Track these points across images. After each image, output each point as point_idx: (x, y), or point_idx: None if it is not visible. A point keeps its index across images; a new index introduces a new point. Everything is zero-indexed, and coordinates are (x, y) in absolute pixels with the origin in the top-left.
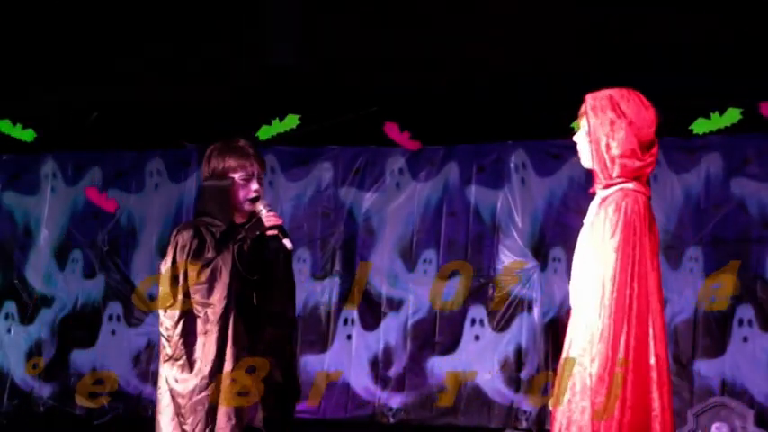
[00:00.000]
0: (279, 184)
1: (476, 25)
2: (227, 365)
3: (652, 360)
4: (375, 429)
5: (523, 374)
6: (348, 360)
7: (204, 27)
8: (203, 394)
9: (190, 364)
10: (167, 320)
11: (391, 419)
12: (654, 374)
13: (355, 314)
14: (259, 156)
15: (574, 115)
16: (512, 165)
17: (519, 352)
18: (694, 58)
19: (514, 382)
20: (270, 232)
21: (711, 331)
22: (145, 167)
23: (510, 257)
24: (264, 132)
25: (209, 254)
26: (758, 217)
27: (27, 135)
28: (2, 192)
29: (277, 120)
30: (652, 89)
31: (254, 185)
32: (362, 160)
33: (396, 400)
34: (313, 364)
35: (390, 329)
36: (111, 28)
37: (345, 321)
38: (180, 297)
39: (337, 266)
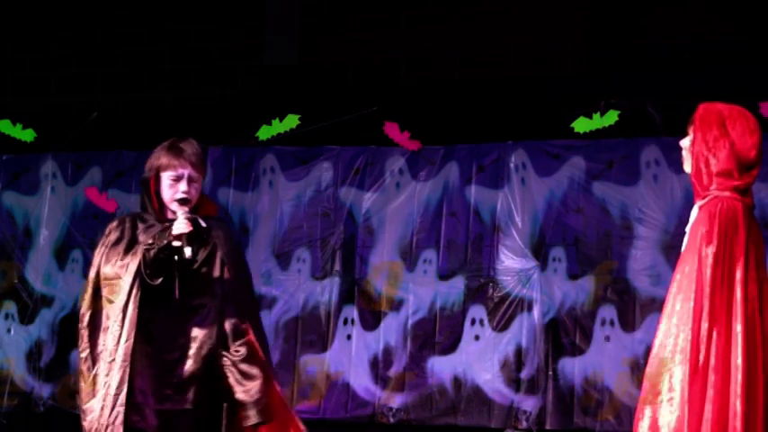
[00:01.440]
0: (279, 184)
1: (476, 25)
2: (116, 365)
3: (739, 361)
4: (375, 429)
5: (523, 374)
6: (348, 360)
7: (204, 27)
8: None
9: (93, 360)
10: (80, 313)
11: (391, 419)
12: (739, 377)
13: (355, 314)
14: (195, 157)
15: (573, 115)
16: (512, 165)
17: (519, 352)
18: (694, 58)
19: (514, 382)
20: (175, 242)
21: None
22: (144, 167)
23: (510, 257)
24: (264, 132)
25: (122, 250)
26: (759, 217)
27: (27, 135)
28: (2, 192)
29: (277, 120)
30: (652, 89)
31: (183, 186)
32: (362, 160)
33: (396, 401)
34: (313, 364)
35: (390, 329)
36: (110, 28)
37: (345, 321)
38: (91, 289)
39: (337, 266)
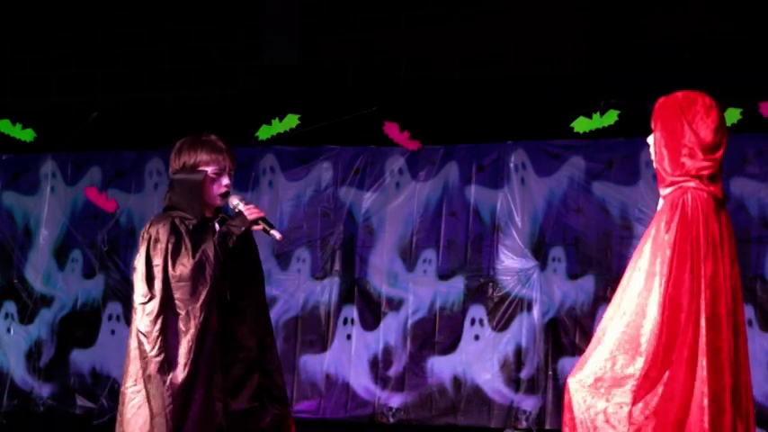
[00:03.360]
0: (278, 183)
1: (475, 25)
2: (202, 366)
3: (704, 362)
4: (375, 429)
5: (523, 374)
6: (348, 360)
7: (204, 27)
8: (184, 397)
9: (169, 364)
10: (146, 317)
11: (391, 419)
12: (704, 373)
13: (355, 314)
14: (230, 150)
15: (573, 115)
16: (511, 165)
17: (519, 352)
18: (693, 57)
19: (514, 382)
20: (256, 227)
21: None
22: (144, 167)
23: (510, 257)
24: (264, 132)
25: (189, 250)
26: (758, 217)
27: (26, 135)
28: (1, 191)
29: (277, 120)
30: (651, 89)
31: (226, 180)
32: (362, 160)
33: (396, 400)
34: (313, 364)
35: (390, 329)
36: (110, 28)
37: (345, 321)
38: (160, 293)
39: (337, 266)
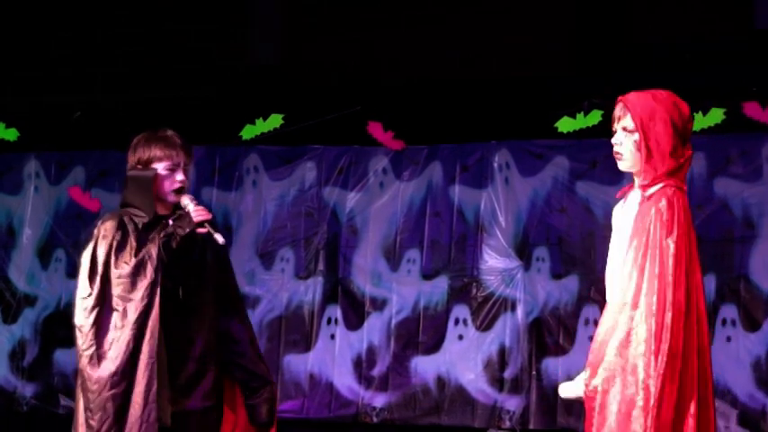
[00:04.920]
0: (262, 183)
1: (459, 25)
2: (142, 363)
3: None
4: (358, 429)
5: (507, 374)
6: (331, 360)
7: (188, 28)
8: (113, 391)
9: (98, 358)
10: (82, 312)
11: (375, 419)
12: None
13: (339, 314)
14: (186, 146)
15: (557, 115)
16: (495, 164)
17: (502, 352)
18: (677, 58)
19: (498, 382)
20: (200, 229)
21: None
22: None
23: (493, 257)
24: (248, 132)
25: (133, 248)
26: (741, 217)
27: (10, 134)
28: None
29: (260, 119)
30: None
31: (180, 176)
32: (346, 160)
33: (379, 400)
34: (296, 364)
35: (374, 329)
36: (95, 27)
37: (329, 321)
38: (98, 288)
39: (321, 266)
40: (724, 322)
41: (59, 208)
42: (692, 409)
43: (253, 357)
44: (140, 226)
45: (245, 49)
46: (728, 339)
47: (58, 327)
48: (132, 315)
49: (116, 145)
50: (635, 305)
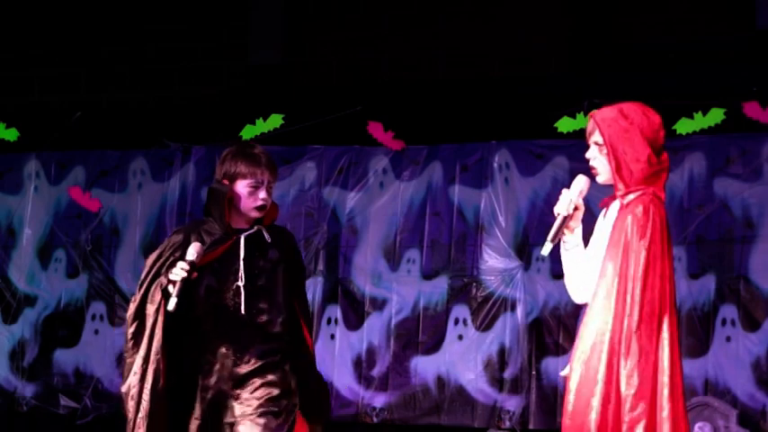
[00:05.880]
0: None
1: (460, 25)
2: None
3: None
4: (358, 429)
5: (506, 374)
6: (331, 360)
7: (188, 27)
8: (125, 405)
9: (129, 369)
10: (128, 314)
11: (375, 419)
12: (665, 378)
13: (339, 313)
14: (271, 164)
15: (557, 115)
16: (495, 164)
17: (502, 352)
18: (678, 58)
19: (497, 382)
20: (169, 287)
21: (695, 331)
22: (128, 167)
23: (493, 257)
24: (248, 132)
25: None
26: (741, 217)
27: (10, 134)
28: None
29: (260, 119)
30: (635, 89)
31: (262, 194)
32: (346, 160)
33: (379, 400)
34: None
35: (374, 329)
36: (94, 27)
37: (329, 321)
38: (139, 296)
39: (321, 266)
40: (724, 322)
41: (59, 208)
42: (660, 407)
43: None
44: (207, 241)
45: (245, 50)
46: (728, 339)
47: (58, 327)
48: (146, 331)
49: (116, 145)
50: (608, 306)
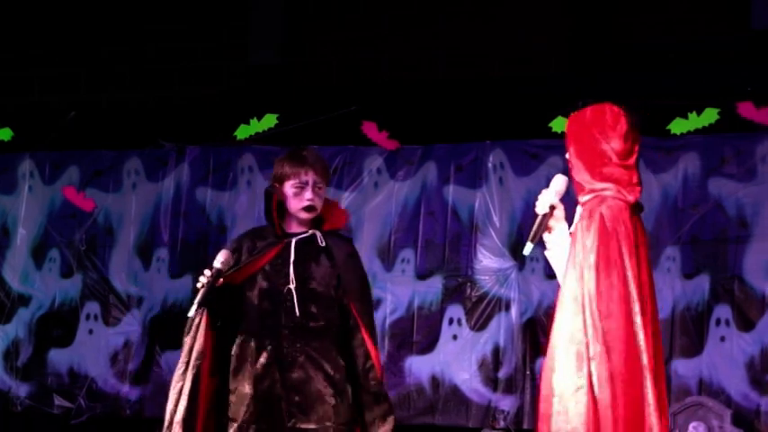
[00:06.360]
0: (257, 183)
1: (454, 25)
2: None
3: (644, 360)
4: None
5: (501, 374)
6: None
7: (188, 27)
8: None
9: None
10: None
11: None
12: (647, 373)
13: None
14: (317, 164)
15: (552, 115)
16: (489, 164)
17: (497, 352)
18: (672, 57)
19: (492, 382)
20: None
21: (688, 331)
22: (123, 167)
23: (488, 257)
24: (242, 132)
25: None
26: (735, 216)
27: (4, 134)
28: None
29: (255, 119)
30: (630, 89)
31: (308, 194)
32: (340, 160)
33: None
34: None
35: None
36: (90, 27)
37: None
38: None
39: None
40: (718, 322)
41: (54, 208)
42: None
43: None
44: (260, 246)
45: (245, 50)
46: (722, 339)
47: (53, 326)
48: (190, 338)
49: (111, 145)
50: (573, 315)
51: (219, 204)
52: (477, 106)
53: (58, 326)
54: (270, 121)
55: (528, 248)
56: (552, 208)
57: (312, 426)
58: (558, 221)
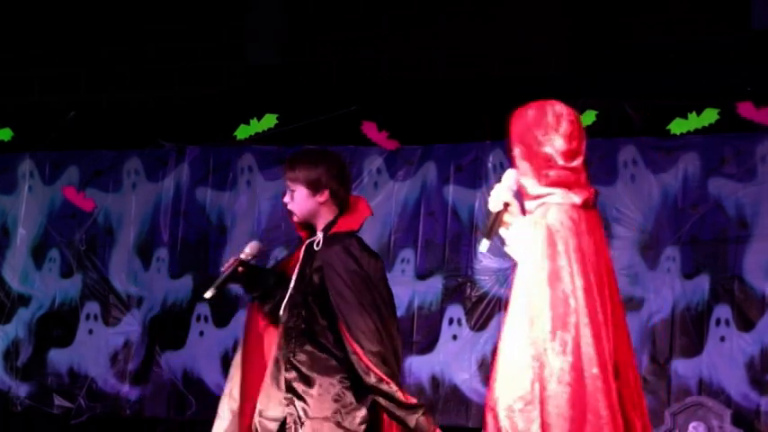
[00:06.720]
0: (256, 183)
1: (454, 25)
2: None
3: (595, 370)
4: None
5: None
6: None
7: (187, 27)
8: None
9: None
10: None
11: None
12: (599, 383)
13: None
14: (290, 163)
15: None
16: (489, 164)
17: (496, 351)
18: (672, 57)
19: None
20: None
21: (688, 331)
22: (122, 167)
23: (488, 257)
24: (242, 132)
25: None
26: (735, 217)
27: (4, 134)
28: None
29: (255, 119)
30: (630, 89)
31: (285, 198)
32: None
33: None
34: None
35: None
36: (90, 27)
37: None
38: None
39: None
40: (718, 322)
41: (54, 208)
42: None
43: None
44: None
45: (244, 50)
46: (722, 339)
47: (53, 326)
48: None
49: (111, 145)
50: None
51: (219, 204)
52: (477, 106)
53: (57, 326)
54: (270, 121)
55: (484, 246)
56: (506, 204)
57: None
58: (513, 216)
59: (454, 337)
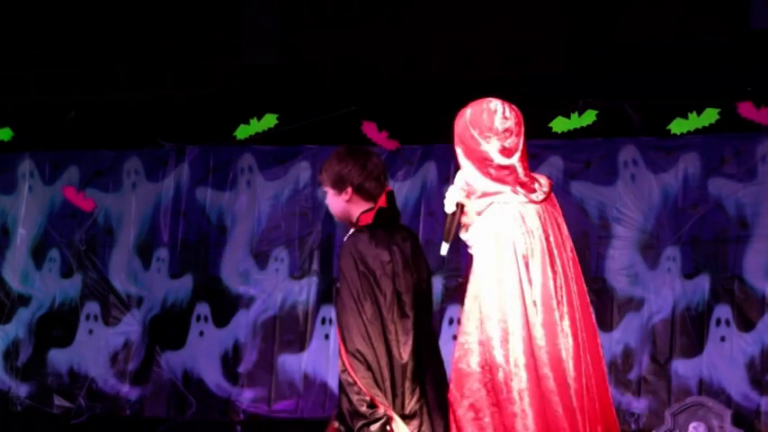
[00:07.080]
0: (256, 183)
1: (453, 25)
2: None
3: (546, 370)
4: None
5: None
6: (326, 360)
7: (183, 27)
8: None
9: None
10: None
11: None
12: (550, 383)
13: (333, 314)
14: (322, 166)
15: (552, 115)
16: None
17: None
18: (672, 57)
19: None
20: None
21: (688, 331)
22: (122, 167)
23: None
24: (242, 132)
25: None
26: (735, 217)
27: (4, 134)
28: None
29: (255, 119)
30: (630, 89)
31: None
32: None
33: None
34: (291, 364)
35: None
36: (89, 28)
37: (323, 321)
38: None
39: (315, 266)
40: (718, 322)
41: (54, 208)
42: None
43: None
44: None
45: (240, 50)
46: (723, 339)
47: (53, 326)
48: None
49: (110, 145)
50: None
51: (219, 204)
52: None
53: (57, 326)
54: (270, 121)
55: (444, 249)
56: (460, 206)
57: None
58: (470, 218)
59: (454, 338)
